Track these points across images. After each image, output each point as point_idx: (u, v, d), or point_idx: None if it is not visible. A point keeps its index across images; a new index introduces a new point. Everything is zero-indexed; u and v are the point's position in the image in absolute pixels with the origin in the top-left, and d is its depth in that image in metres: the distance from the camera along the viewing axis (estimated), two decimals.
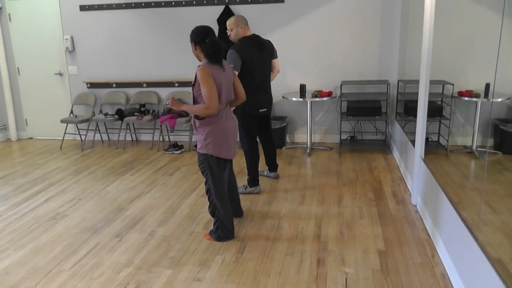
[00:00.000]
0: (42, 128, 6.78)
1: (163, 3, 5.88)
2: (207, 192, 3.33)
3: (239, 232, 3.44)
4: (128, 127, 6.31)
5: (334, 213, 3.75)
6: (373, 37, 5.64)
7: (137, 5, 5.94)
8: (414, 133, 4.08)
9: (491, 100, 4.19)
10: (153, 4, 5.91)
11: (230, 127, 3.22)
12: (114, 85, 6.27)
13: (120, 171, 5.07)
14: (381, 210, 3.79)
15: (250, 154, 4.21)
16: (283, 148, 5.83)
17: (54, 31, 6.29)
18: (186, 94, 6.10)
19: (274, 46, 4.36)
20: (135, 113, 5.96)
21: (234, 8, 5.77)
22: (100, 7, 6.01)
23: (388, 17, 5.49)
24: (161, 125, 5.97)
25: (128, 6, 5.95)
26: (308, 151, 5.57)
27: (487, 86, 4.44)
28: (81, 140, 6.46)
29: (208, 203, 3.36)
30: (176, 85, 6.15)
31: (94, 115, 6.21)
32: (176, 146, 5.74)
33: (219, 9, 5.81)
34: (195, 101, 3.12)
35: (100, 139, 6.54)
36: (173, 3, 5.86)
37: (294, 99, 5.48)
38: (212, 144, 3.12)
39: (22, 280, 2.89)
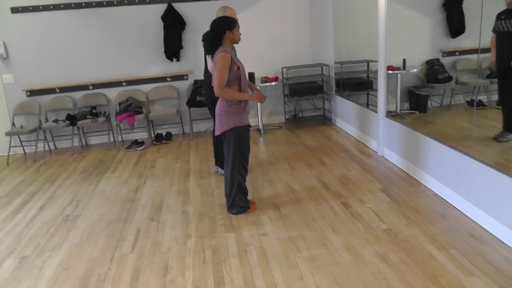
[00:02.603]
0: None
1: (104, 3, 5.84)
2: (232, 169, 3.53)
3: (260, 198, 3.87)
4: (78, 132, 6.07)
5: (325, 170, 4.41)
6: (304, 27, 6.46)
7: (77, 6, 5.78)
8: (358, 103, 4.96)
9: (409, 71, 5.29)
10: (94, 4, 5.82)
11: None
12: (58, 90, 5.98)
13: (96, 172, 4.99)
14: (359, 163, 4.57)
15: None
16: None
17: None
18: (135, 92, 6.14)
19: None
20: (87, 116, 5.81)
21: (177, 6, 6.02)
22: (35, 9, 5.69)
23: (318, 8, 6.32)
24: (118, 125, 5.90)
25: (67, 6, 5.75)
26: (262, 132, 6.13)
27: (404, 61, 5.58)
28: (24, 152, 6.02)
29: (229, 180, 3.58)
30: (124, 84, 6.15)
31: (42, 123, 5.84)
32: (137, 143, 5.79)
33: (162, 7, 6.00)
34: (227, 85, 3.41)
35: (48, 148, 6.15)
36: (115, 2, 5.86)
37: None
38: (238, 117, 3.46)
39: (90, 270, 2.94)
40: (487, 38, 4.89)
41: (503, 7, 3.74)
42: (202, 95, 6.08)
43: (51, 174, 5.08)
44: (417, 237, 3.00)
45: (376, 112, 4.93)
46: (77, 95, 6.06)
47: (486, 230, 3.03)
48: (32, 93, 5.94)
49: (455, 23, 5.14)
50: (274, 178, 4.32)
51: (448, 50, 5.18)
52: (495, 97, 4.83)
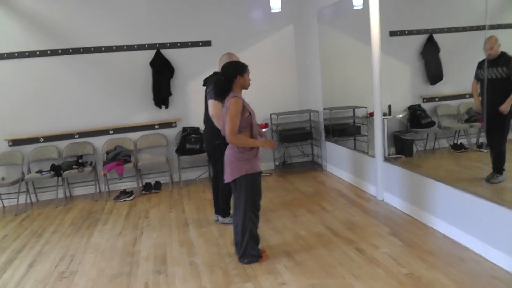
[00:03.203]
0: None
1: (92, 49, 5.77)
2: (244, 217, 3.40)
3: (270, 246, 3.73)
4: (63, 183, 5.76)
5: (328, 216, 4.34)
6: (291, 75, 6.62)
7: (64, 52, 5.68)
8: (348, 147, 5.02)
9: (395, 116, 5.46)
10: (81, 50, 5.74)
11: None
12: (42, 140, 5.72)
13: (86, 225, 4.70)
14: (360, 208, 4.54)
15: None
16: None
17: None
18: (123, 140, 5.97)
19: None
20: (73, 166, 5.55)
21: (165, 52, 6.04)
22: (21, 55, 5.53)
23: (304, 56, 6.50)
24: (105, 175, 5.64)
25: (54, 53, 5.63)
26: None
27: (389, 106, 5.76)
28: (3, 206, 5.62)
29: (240, 228, 3.44)
30: (111, 132, 5.97)
31: (24, 174, 5.51)
32: (126, 193, 5.55)
33: (151, 53, 5.99)
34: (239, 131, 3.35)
35: (30, 201, 5.77)
36: (103, 48, 5.81)
37: None
38: (250, 164, 3.38)
39: None
40: (463, 85, 5.15)
41: (480, 56, 3.98)
42: (191, 143, 5.99)
43: (36, 228, 4.74)
44: (440, 281, 2.95)
45: (371, 156, 4.98)
46: (62, 144, 5.82)
47: (507, 271, 3.02)
48: (15, 142, 5.65)
49: (432, 71, 5.40)
50: (279, 226, 4.20)
51: (428, 96, 5.40)
52: (475, 140, 5.03)
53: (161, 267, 3.49)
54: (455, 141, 5.28)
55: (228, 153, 3.39)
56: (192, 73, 6.23)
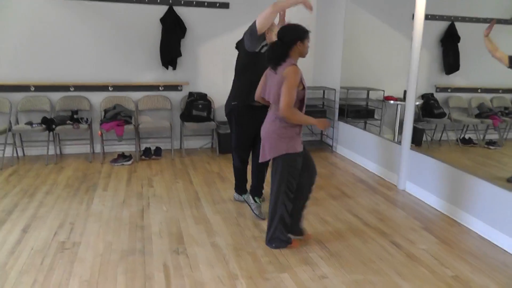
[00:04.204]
0: None
1: None
2: (276, 199, 3.06)
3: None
4: (54, 139, 5.21)
5: (351, 202, 4.05)
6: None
7: None
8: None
9: (410, 103, 5.12)
10: None
11: None
12: (33, 89, 5.11)
13: (84, 188, 4.23)
14: (383, 196, 4.27)
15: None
16: None
17: None
18: (123, 99, 5.43)
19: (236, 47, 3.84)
20: (67, 122, 5.00)
21: (178, 9, 5.47)
22: None
23: (326, 30, 6.05)
24: (102, 134, 5.13)
25: None
26: None
27: (405, 92, 5.48)
28: None
29: (270, 210, 3.11)
30: (111, 89, 5.42)
31: (12, 125, 4.92)
32: (125, 156, 5.07)
33: (161, 8, 5.42)
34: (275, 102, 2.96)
35: (16, 155, 5.20)
36: None
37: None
38: (292, 143, 3.01)
39: None
40: (477, 78, 4.91)
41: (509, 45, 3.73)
42: (199, 109, 5.53)
43: (26, 186, 4.23)
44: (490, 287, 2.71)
45: (396, 143, 4.68)
46: (56, 96, 5.23)
47: None
48: (2, 88, 5.02)
49: (450, 60, 5.13)
50: (314, 211, 3.85)
51: (441, 86, 5.15)
52: (486, 136, 4.84)
53: (179, 246, 3.10)
54: (463, 135, 5.08)
55: (268, 128, 3.00)
56: (205, 36, 5.70)
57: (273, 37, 3.58)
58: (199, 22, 5.64)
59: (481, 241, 3.36)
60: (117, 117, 5.07)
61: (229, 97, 3.74)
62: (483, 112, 5.05)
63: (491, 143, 4.89)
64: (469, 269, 2.94)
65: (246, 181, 3.99)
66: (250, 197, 3.78)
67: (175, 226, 3.44)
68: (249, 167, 3.85)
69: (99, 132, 5.04)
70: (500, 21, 4.25)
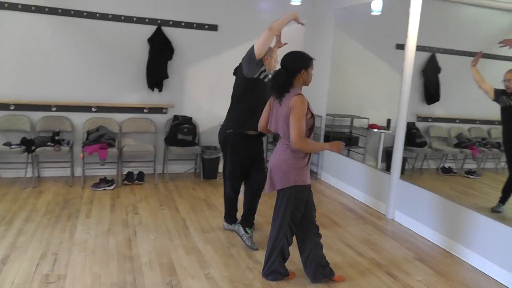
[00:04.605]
0: None
1: (85, 13, 5.01)
2: (278, 231, 2.96)
3: (291, 263, 3.29)
4: (32, 161, 4.96)
5: (342, 232, 4.02)
6: None
7: (52, 11, 4.87)
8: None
9: (393, 131, 5.21)
10: (72, 12, 4.96)
11: None
12: (13, 107, 4.87)
13: (65, 215, 4.01)
14: (373, 225, 4.26)
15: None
16: (217, 178, 5.66)
17: None
18: (107, 120, 5.26)
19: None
20: (48, 143, 4.78)
21: (166, 30, 5.40)
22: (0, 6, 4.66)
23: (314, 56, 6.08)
24: (84, 157, 4.91)
25: (39, 10, 4.81)
26: None
27: (389, 121, 5.56)
28: None
29: (271, 244, 3.01)
30: (94, 110, 5.25)
31: None
32: (107, 181, 4.87)
33: (150, 28, 5.34)
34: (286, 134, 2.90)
35: None
36: (98, 15, 5.06)
37: None
38: (300, 174, 2.89)
39: None
40: (457, 109, 5.06)
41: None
42: (184, 133, 5.42)
43: (3, 212, 3.96)
44: None
45: (385, 172, 4.70)
46: (36, 116, 5.00)
47: None
48: None
49: (431, 90, 5.26)
50: (293, 239, 3.78)
51: (423, 116, 5.26)
52: (464, 165, 4.95)
53: (172, 279, 2.96)
54: (443, 164, 5.17)
55: (278, 158, 2.91)
56: (193, 58, 5.65)
57: (272, 62, 3.56)
58: (187, 44, 5.59)
59: (475, 273, 3.36)
60: (101, 139, 4.90)
61: (224, 124, 3.66)
62: (462, 142, 5.17)
63: (470, 172, 4.99)
64: None
65: (236, 210, 3.89)
66: (241, 228, 3.66)
67: (166, 257, 3.29)
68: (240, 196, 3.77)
69: (81, 155, 4.84)
70: (484, 55, 4.42)
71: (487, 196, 4.39)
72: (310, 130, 2.85)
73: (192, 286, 2.88)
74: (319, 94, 6.02)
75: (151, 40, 5.36)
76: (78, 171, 5.21)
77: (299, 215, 2.94)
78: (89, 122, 5.20)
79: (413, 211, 4.24)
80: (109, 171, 5.35)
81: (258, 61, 3.37)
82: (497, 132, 5.06)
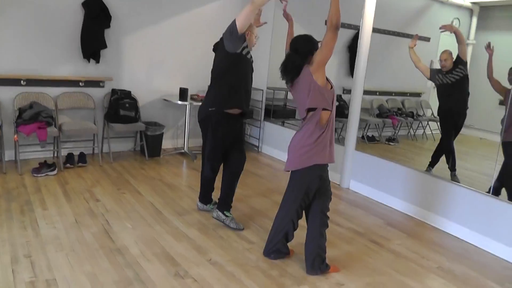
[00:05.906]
0: None
1: None
2: (286, 213, 2.94)
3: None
4: None
5: None
6: None
7: None
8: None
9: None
10: None
11: None
12: None
13: (16, 208, 3.46)
14: (337, 196, 4.48)
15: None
16: (161, 156, 5.37)
17: None
18: (40, 95, 4.58)
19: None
20: None
21: None
22: None
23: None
24: (17, 139, 4.23)
25: None
26: (193, 157, 5.41)
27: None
28: None
29: (277, 225, 2.99)
30: (24, 83, 4.51)
31: None
32: (49, 165, 4.30)
33: None
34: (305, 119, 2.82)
35: None
36: None
37: (179, 102, 5.21)
38: (312, 159, 2.81)
39: None
40: (378, 83, 5.54)
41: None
42: (126, 109, 5.00)
43: None
44: (470, 274, 3.08)
45: (339, 144, 4.91)
46: None
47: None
48: None
49: (355, 65, 5.65)
50: (273, 217, 3.80)
51: (348, 88, 5.64)
52: (384, 133, 5.50)
53: (178, 269, 2.78)
54: (367, 133, 5.63)
55: (295, 139, 2.85)
56: (132, 27, 5.17)
57: (253, 38, 3.43)
58: (126, 12, 5.07)
59: (436, 232, 3.76)
60: (38, 118, 4.28)
61: (204, 102, 3.46)
62: (383, 113, 5.64)
63: (390, 139, 5.51)
64: (443, 259, 3.28)
65: (212, 190, 3.77)
66: (220, 213, 3.54)
67: (156, 246, 3.07)
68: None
69: (15, 136, 4.18)
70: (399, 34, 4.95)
71: (413, 161, 4.91)
72: (332, 103, 2.75)
73: (201, 274, 2.75)
74: (260, 67, 5.98)
75: (85, 4, 4.74)
76: (9, 155, 4.50)
77: (308, 202, 2.92)
78: (19, 97, 4.49)
79: (365, 178, 4.55)
80: (43, 154, 4.73)
81: (241, 36, 3.22)
82: (409, 103, 5.63)
